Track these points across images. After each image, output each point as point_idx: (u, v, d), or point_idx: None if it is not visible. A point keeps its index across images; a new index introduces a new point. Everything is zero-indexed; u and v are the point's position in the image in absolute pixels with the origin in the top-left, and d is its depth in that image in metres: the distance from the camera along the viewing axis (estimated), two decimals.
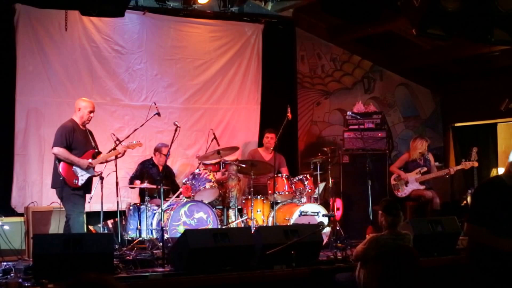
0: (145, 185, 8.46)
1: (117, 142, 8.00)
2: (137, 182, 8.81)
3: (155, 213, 8.36)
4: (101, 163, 7.93)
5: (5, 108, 8.92)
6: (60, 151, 7.52)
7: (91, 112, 7.79)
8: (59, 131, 7.65)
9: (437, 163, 10.38)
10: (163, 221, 7.89)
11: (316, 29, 11.41)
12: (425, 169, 9.78)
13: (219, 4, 10.23)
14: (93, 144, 7.86)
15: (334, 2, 8.05)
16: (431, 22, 6.95)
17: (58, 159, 7.56)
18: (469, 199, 10.02)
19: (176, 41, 10.21)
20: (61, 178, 7.48)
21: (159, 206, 8.00)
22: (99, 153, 7.89)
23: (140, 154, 9.68)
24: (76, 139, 7.63)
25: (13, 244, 7.96)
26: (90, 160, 7.64)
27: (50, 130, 7.80)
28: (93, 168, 7.74)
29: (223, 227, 8.55)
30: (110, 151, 7.95)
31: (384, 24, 9.94)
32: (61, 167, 7.50)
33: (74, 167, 7.55)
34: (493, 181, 5.00)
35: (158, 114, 8.38)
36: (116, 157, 7.94)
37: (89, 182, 7.71)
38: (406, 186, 9.83)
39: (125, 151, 8.04)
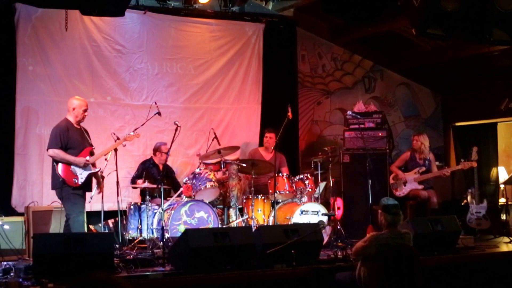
0: (146, 184, 8.47)
1: (117, 141, 8.02)
2: (139, 181, 8.81)
3: (155, 213, 8.37)
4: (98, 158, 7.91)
5: (5, 108, 8.93)
6: (56, 152, 7.49)
7: (85, 110, 7.75)
8: (53, 132, 7.61)
9: (437, 163, 10.41)
10: (164, 221, 7.90)
11: (317, 29, 11.42)
12: (423, 168, 9.82)
13: (220, 4, 10.24)
14: (89, 142, 7.85)
15: (334, 2, 8.06)
16: (431, 22, 6.98)
17: (55, 161, 7.54)
18: (469, 198, 10.06)
19: (177, 40, 10.21)
20: (60, 180, 7.45)
21: (159, 205, 8.01)
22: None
23: (141, 154, 9.71)
24: (72, 138, 7.59)
25: (14, 243, 7.95)
26: (87, 158, 7.62)
27: (50, 129, 7.78)
28: (91, 165, 7.72)
29: (224, 226, 8.55)
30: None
31: (385, 24, 9.95)
32: (59, 168, 7.47)
33: (72, 166, 7.53)
34: None
35: (159, 113, 8.40)
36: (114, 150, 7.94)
37: (89, 180, 7.69)
38: (405, 185, 9.87)
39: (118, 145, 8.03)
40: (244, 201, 9.08)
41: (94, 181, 7.84)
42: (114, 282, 2.41)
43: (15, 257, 7.70)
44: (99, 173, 7.81)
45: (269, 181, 9.09)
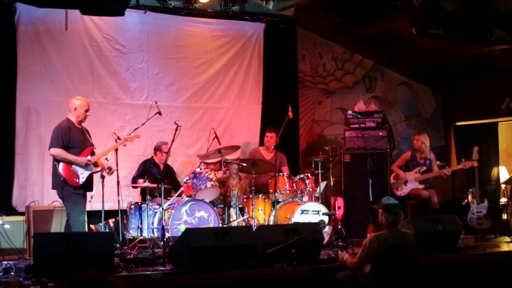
0: (146, 184, 8.46)
1: (118, 141, 8.01)
2: (140, 181, 8.81)
3: (156, 212, 8.37)
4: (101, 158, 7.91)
5: (5, 107, 8.93)
6: (57, 151, 7.49)
7: (87, 111, 7.76)
8: (55, 131, 7.61)
9: (438, 162, 10.40)
10: (164, 220, 7.90)
11: (317, 28, 11.41)
12: (424, 168, 9.81)
13: (220, 3, 10.24)
14: (90, 141, 7.86)
15: (335, 2, 8.07)
16: (431, 21, 6.97)
17: (56, 160, 7.54)
18: (470, 197, 10.05)
19: (177, 40, 10.20)
20: (61, 179, 7.45)
21: (160, 205, 8.00)
22: None
23: (141, 153, 9.70)
24: (73, 138, 7.59)
25: (14, 243, 7.97)
26: (88, 157, 7.62)
27: (51, 129, 7.76)
28: (92, 164, 7.72)
29: (224, 226, 8.55)
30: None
31: (385, 24, 9.95)
32: (60, 167, 7.47)
33: (73, 166, 7.53)
34: None
35: (159, 113, 8.40)
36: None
37: (89, 180, 7.69)
38: (405, 185, 9.86)
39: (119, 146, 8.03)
40: (245, 200, 9.08)
41: (94, 181, 7.83)
42: (108, 281, 2.41)
43: (15, 256, 7.71)
44: (100, 173, 7.80)
45: (269, 180, 9.09)
